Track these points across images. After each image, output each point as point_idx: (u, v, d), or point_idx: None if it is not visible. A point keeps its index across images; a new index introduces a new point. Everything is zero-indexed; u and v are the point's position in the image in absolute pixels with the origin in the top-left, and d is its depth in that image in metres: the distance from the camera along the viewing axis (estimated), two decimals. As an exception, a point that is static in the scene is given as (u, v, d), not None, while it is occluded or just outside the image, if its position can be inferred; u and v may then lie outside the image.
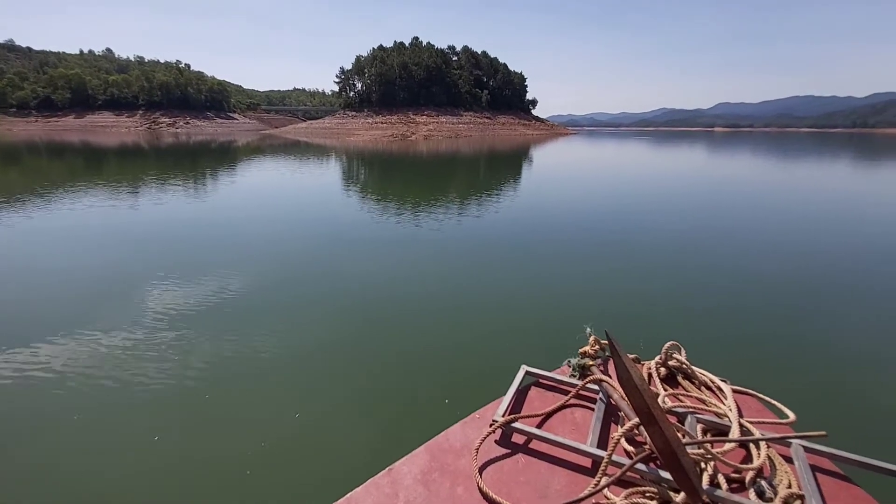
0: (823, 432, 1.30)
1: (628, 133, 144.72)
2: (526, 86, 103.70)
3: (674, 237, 8.09)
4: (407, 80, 75.88)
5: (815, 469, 1.28)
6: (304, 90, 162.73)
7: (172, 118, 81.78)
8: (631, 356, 1.90)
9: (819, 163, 26.74)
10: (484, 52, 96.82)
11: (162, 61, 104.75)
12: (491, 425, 1.49)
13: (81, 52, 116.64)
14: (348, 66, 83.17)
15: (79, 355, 3.68)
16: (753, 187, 15.55)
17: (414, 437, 1.57)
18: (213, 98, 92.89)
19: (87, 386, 3.28)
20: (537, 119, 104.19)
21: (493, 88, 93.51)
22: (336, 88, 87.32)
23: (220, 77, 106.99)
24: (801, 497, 1.18)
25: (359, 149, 35.48)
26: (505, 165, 24.11)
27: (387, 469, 1.33)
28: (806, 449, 1.33)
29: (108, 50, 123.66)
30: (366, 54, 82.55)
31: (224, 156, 27.59)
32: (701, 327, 4.47)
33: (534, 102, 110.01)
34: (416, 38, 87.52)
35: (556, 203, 12.04)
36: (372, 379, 3.50)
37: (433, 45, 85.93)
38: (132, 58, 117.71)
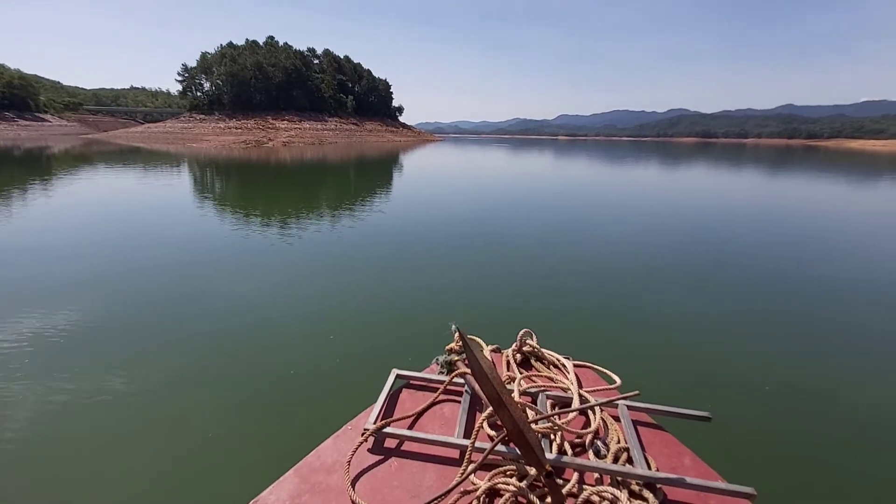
0: (636, 391, 1.54)
1: (489, 140, 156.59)
2: (391, 93, 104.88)
3: (530, 234, 8.97)
4: (263, 81, 70.25)
5: (636, 423, 1.52)
6: (144, 89, 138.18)
7: (-60, 118, 62.99)
8: (492, 347, 2.02)
9: (636, 164, 32.44)
10: (347, 57, 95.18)
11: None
12: (363, 434, 1.44)
13: None
14: (192, 64, 74.09)
15: None
16: (591, 188, 18.11)
17: (284, 461, 1.43)
18: (14, 95, 73.71)
19: None
20: (405, 126, 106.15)
21: (359, 94, 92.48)
22: (180, 88, 76.75)
23: (29, 71, 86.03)
24: (627, 449, 1.38)
25: (211, 157, 31.84)
26: (376, 172, 24.05)
27: (251, 502, 1.21)
28: (629, 407, 1.56)
29: None
30: (213, 51, 74.55)
31: (33, 166, 22.26)
32: (551, 312, 5.00)
33: (400, 109, 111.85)
34: (272, 38, 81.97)
35: (421, 206, 12.38)
36: (235, 404, 3.15)
37: (291, 46, 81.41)
38: None
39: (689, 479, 1.24)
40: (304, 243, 7.68)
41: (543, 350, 1.94)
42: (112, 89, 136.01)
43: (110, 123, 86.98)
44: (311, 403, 3.19)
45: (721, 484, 1.25)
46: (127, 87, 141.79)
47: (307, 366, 3.72)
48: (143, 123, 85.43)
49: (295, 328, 4.43)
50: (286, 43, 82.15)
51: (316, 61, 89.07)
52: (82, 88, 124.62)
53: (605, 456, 1.34)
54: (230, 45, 75.72)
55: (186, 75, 74.20)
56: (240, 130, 61.54)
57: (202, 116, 69.13)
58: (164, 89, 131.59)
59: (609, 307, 5.16)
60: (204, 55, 73.96)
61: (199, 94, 73.99)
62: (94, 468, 2.59)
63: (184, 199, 12.78)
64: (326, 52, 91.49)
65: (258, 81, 69.80)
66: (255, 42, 78.60)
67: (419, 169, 27.02)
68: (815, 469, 2.65)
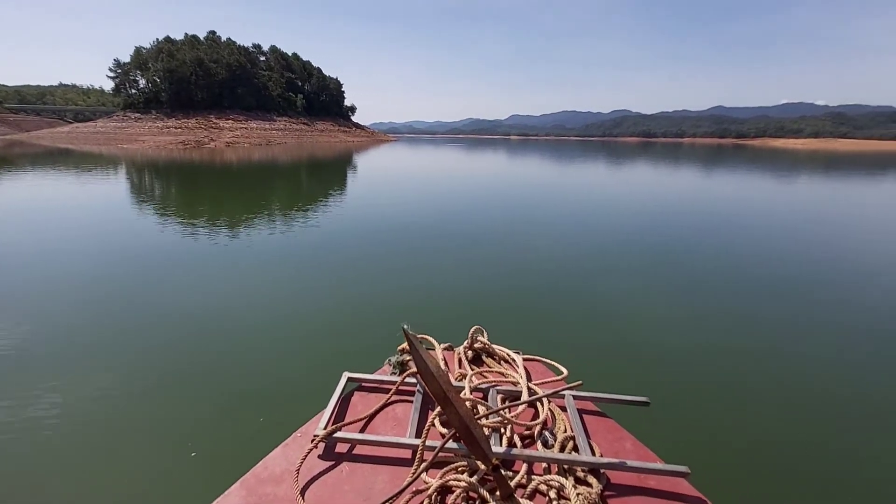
0: (580, 381, 1.60)
1: (443, 140, 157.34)
2: (343, 92, 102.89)
3: (483, 233, 9.10)
4: (205, 78, 66.59)
5: (581, 412, 1.58)
6: (74, 86, 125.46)
7: None
8: (445, 345, 2.03)
9: (584, 162, 33.71)
10: (295, 54, 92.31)
11: None
12: (312, 440, 1.41)
13: None
14: (126, 59, 68.92)
15: None
16: (540, 188, 18.64)
17: (231, 473, 1.37)
18: None
19: None
20: (358, 126, 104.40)
21: (309, 93, 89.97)
22: (113, 85, 70.99)
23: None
24: (573, 438, 1.43)
25: (149, 158, 29.87)
26: (327, 173, 23.51)
27: None
28: (574, 397, 1.62)
29: None
30: (148, 46, 69.80)
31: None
32: (502, 309, 5.10)
33: (353, 109, 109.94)
34: (213, 33, 77.98)
35: (372, 208, 12.25)
36: (176, 417, 2.97)
37: (234, 42, 77.77)
38: None
39: (629, 462, 1.29)
40: (251, 248, 7.38)
41: (494, 346, 1.97)
42: (38, 86, 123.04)
43: (35, 123, 79.10)
44: (260, 412, 3.07)
45: (658, 465, 1.30)
46: (55, 84, 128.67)
47: (255, 373, 3.58)
48: (72, 123, 78.22)
49: (242, 335, 4.25)
50: (229, 38, 78.44)
51: (262, 58, 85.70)
52: (4, 85, 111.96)
53: (553, 446, 1.38)
54: (167, 39, 71.23)
55: (119, 71, 69.03)
56: (180, 130, 57.95)
57: (138, 115, 64.53)
58: (97, 86, 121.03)
59: (557, 301, 5.33)
60: (138, 50, 69.15)
61: (133, 91, 68.96)
62: (32, 482, 2.36)
63: (122, 205, 11.91)
64: (273, 49, 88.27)
65: (199, 78, 66.10)
66: (194, 37, 74.39)
67: (372, 170, 26.72)
68: (744, 446, 2.86)
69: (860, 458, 2.75)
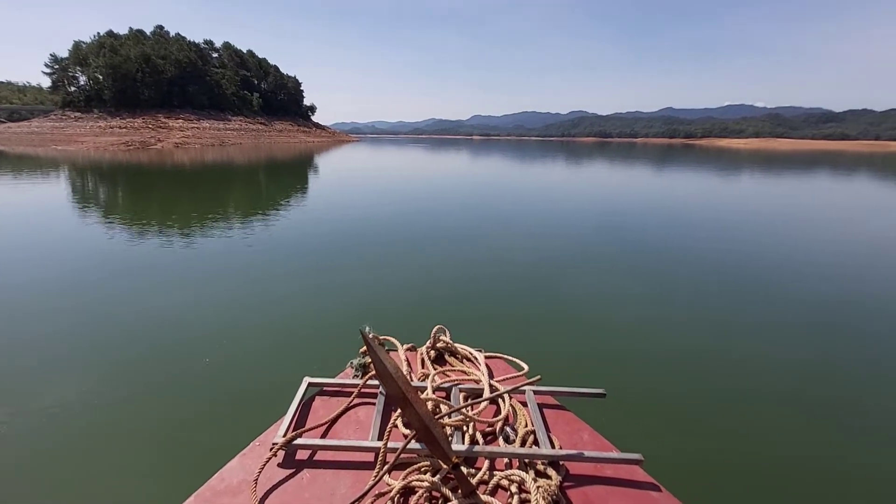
0: (539, 376, 1.64)
1: (406, 140, 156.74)
2: (302, 91, 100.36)
3: (445, 233, 9.13)
4: (153, 75, 62.97)
5: (542, 406, 1.61)
6: (9, 83, 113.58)
7: None
8: (408, 345, 2.03)
9: (544, 162, 34.48)
10: (250, 52, 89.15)
11: None
12: (271, 449, 1.37)
13: None
14: (64, 54, 64.16)
15: None
16: (500, 188, 18.91)
17: (187, 488, 1.31)
18: None
19: None
20: (318, 126, 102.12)
21: (266, 92, 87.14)
22: (50, 81, 65.65)
23: None
24: (533, 432, 1.46)
25: (92, 161, 28.02)
26: (287, 174, 22.89)
27: None
28: (535, 392, 1.65)
29: None
30: (89, 40, 65.32)
31: None
32: (465, 308, 5.14)
33: (312, 108, 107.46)
34: (161, 27, 74.06)
35: (333, 209, 12.04)
36: (129, 430, 2.81)
37: (184, 38, 74.12)
38: None
39: (586, 453, 1.33)
40: (205, 253, 7.07)
41: (456, 345, 1.98)
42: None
43: (-44, 123, 72.10)
44: (217, 422, 2.96)
45: (614, 454, 1.35)
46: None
47: (212, 382, 3.44)
48: (4, 122, 71.68)
49: (198, 343, 4.06)
50: (178, 34, 74.69)
51: (215, 55, 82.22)
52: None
53: (514, 441, 1.41)
54: (110, 34, 66.98)
55: (57, 67, 64.20)
56: (125, 130, 54.52)
57: (78, 115, 60.15)
58: (34, 83, 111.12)
59: (518, 300, 5.42)
60: (77, 45, 64.61)
61: (73, 89, 64.25)
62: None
63: (65, 212, 11.10)
64: (227, 46, 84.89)
65: (146, 75, 62.46)
66: (140, 31, 70.35)
67: (332, 172, 26.26)
68: (694, 432, 3.01)
69: (805, 441, 2.95)
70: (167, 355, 3.84)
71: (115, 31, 67.79)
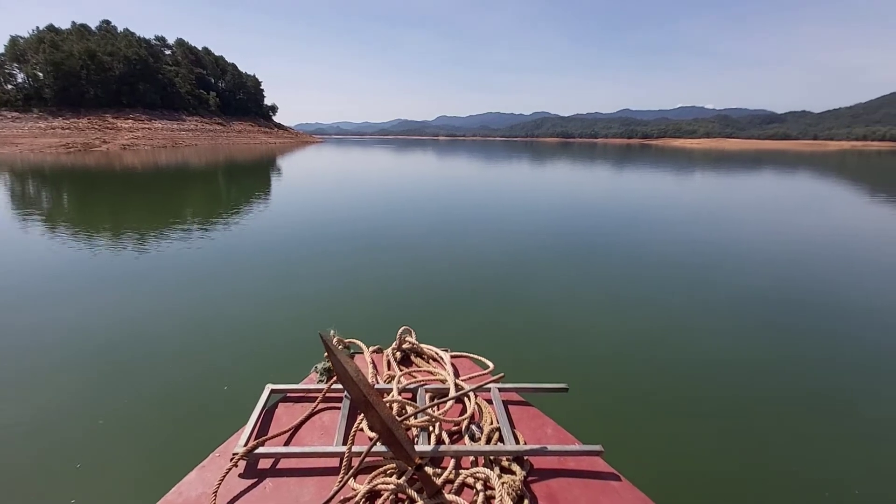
0: (502, 374, 1.67)
1: (372, 141, 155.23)
2: (262, 90, 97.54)
3: (410, 234, 9.12)
4: (99, 73, 59.38)
5: (507, 403, 1.64)
6: None
7: None
8: (374, 347, 2.01)
9: (510, 162, 35.00)
10: (206, 49, 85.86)
11: None
12: (231, 459, 1.32)
13: None
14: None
15: None
16: (466, 188, 19.05)
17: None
18: None
19: None
20: (280, 126, 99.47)
21: (224, 91, 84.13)
22: None
23: None
24: (499, 429, 1.47)
25: (32, 164, 26.17)
26: (246, 177, 22.19)
27: None
28: (500, 389, 1.67)
29: None
30: (27, 35, 60.90)
31: None
32: (431, 308, 5.15)
33: (274, 108, 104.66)
34: (108, 22, 70.06)
35: (293, 213, 11.80)
36: (81, 447, 2.64)
37: (133, 34, 70.39)
38: None
39: (550, 447, 1.35)
40: (160, 259, 6.75)
41: (422, 345, 1.98)
42: None
43: None
44: (176, 436, 2.83)
45: (576, 446, 1.38)
46: None
47: (170, 394, 3.28)
48: None
49: (155, 352, 3.87)
50: (127, 29, 70.92)
51: (168, 52, 78.64)
52: None
53: (480, 438, 1.43)
54: (50, 28, 62.75)
55: (-11, 62, 59.47)
56: (68, 131, 51.01)
57: (15, 115, 55.73)
58: None
59: (484, 299, 5.48)
60: (14, 40, 60.11)
61: (10, 87, 59.62)
62: None
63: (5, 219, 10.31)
64: (180, 43, 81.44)
65: (92, 73, 58.88)
66: (84, 26, 66.32)
67: (294, 174, 25.68)
68: (652, 423, 3.13)
69: (757, 429, 3.12)
70: (120, 370, 3.64)
71: (57, 26, 63.58)
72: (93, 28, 67.48)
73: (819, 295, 5.69)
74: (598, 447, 1.37)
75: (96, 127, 54.16)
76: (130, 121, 59.13)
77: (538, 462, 1.36)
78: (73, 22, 66.12)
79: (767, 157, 54.98)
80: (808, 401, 3.38)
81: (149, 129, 58.31)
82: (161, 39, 78.32)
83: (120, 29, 70.35)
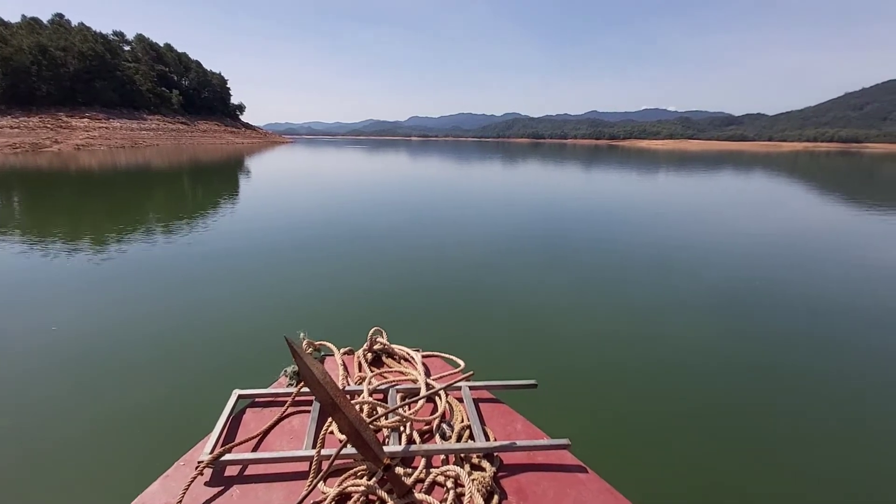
0: (472, 372, 1.70)
1: (344, 141, 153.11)
2: (229, 88, 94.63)
3: (379, 235, 9.06)
4: (51, 69, 56.11)
5: (477, 401, 1.66)
6: None
7: None
8: (345, 349, 2.00)
9: (482, 162, 35.25)
10: (168, 45, 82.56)
11: None
12: (196, 467, 1.29)
13: None
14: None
15: None
16: (437, 188, 19.09)
17: None
18: None
19: None
20: (248, 126, 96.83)
21: (188, 89, 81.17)
22: None
23: None
24: (469, 426, 1.49)
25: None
26: (211, 178, 21.51)
27: None
28: (471, 387, 1.70)
29: None
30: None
31: None
32: (402, 309, 5.14)
33: (241, 108, 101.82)
34: (61, 16, 66.36)
35: (261, 216, 11.54)
36: (40, 461, 2.51)
37: (89, 28, 66.94)
38: None
39: (519, 442, 1.38)
40: (122, 264, 6.47)
41: (393, 346, 1.99)
42: None
43: None
44: (139, 445, 2.72)
45: (544, 441, 1.41)
46: None
47: (133, 402, 3.16)
48: None
49: (116, 357, 3.71)
50: (82, 23, 67.38)
51: (127, 48, 75.25)
52: None
53: (450, 437, 1.44)
54: (-5, 20, 58.93)
55: (-74, 57, 55.21)
56: (17, 130, 47.94)
57: (-41, 113, 52.17)
58: None
59: (454, 298, 5.50)
60: (-45, 33, 56.09)
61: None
62: None
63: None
64: (140, 38, 77.96)
65: (43, 69, 55.64)
66: (34, 20, 62.52)
67: (260, 176, 25.10)
68: (618, 416, 3.23)
69: (722, 420, 3.26)
70: (81, 379, 3.47)
71: (5, 20, 59.76)
72: (44, 22, 63.75)
73: (781, 291, 5.99)
74: (565, 441, 1.40)
75: (48, 126, 51.07)
76: (86, 120, 56.15)
77: (508, 458, 1.38)
78: (24, 15, 62.33)
79: (727, 157, 57.44)
80: (769, 393, 3.55)
81: (106, 128, 55.53)
82: (119, 34, 74.82)
83: (74, 23, 66.81)
